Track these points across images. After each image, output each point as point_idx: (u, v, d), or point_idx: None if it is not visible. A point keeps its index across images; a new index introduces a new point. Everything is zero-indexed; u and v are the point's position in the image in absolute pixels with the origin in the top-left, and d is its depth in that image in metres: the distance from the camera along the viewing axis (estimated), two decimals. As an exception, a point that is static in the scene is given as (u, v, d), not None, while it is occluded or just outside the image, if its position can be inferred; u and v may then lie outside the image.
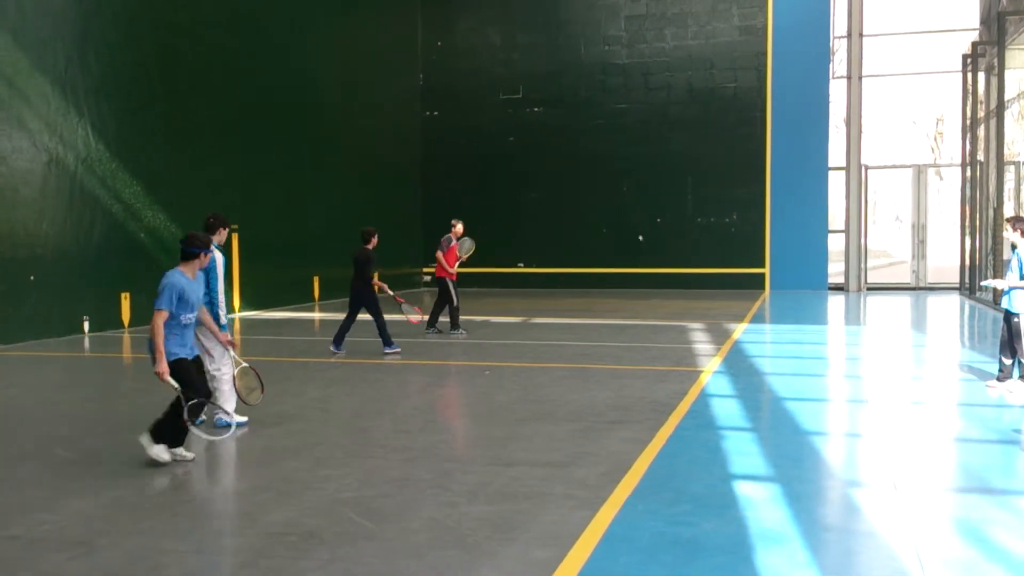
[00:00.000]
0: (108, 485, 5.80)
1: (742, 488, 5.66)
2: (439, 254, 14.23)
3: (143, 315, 15.70)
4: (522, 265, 26.53)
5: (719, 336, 13.91)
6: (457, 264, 14.28)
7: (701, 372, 10.32)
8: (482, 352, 12.52)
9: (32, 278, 13.66)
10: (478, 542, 4.65)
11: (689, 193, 25.26)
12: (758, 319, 17.12)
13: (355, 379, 10.32)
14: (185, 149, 16.90)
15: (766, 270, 24.73)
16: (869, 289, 25.18)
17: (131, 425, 7.74)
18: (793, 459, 6.49)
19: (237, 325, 16.57)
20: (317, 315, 18.70)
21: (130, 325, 15.46)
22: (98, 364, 12.26)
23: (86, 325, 14.62)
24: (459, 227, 14.56)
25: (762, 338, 14.57)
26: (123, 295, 15.41)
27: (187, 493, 5.57)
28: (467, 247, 14.46)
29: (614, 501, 5.31)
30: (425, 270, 26.83)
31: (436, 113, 27.39)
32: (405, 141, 26.66)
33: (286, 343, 13.86)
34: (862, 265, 25.20)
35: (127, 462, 6.45)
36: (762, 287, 24.60)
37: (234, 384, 7.49)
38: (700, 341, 13.38)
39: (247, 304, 18.69)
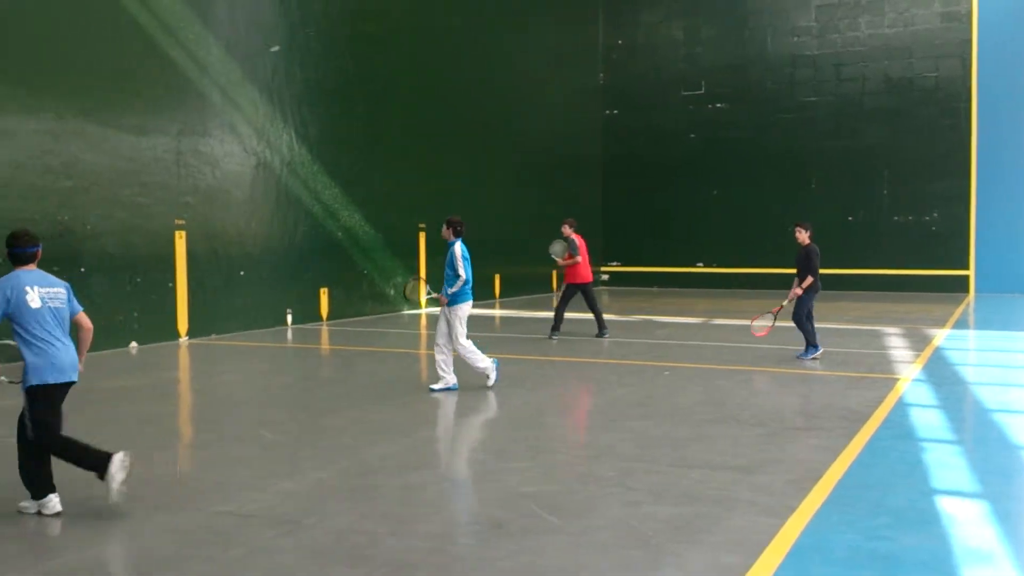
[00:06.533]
0: (311, 467, 6.18)
1: (945, 503, 5.34)
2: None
3: (341, 309, 16.64)
4: (702, 265, 26.04)
5: (918, 342, 13.13)
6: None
7: (898, 380, 9.78)
8: (662, 353, 12.41)
9: (242, 273, 14.73)
10: (662, 543, 4.63)
11: (885, 189, 23.97)
12: (962, 324, 16.03)
13: (535, 377, 10.50)
14: (378, 152, 17.71)
15: (971, 272, 23.09)
16: (1091, 293, 23.02)
17: (328, 412, 8.22)
18: (1003, 474, 6.05)
19: (423, 321, 17.17)
20: (497, 312, 19.11)
21: (328, 318, 16.38)
22: (300, 354, 13.07)
23: (289, 317, 15.61)
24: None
25: (967, 345, 13.63)
26: (322, 290, 16.35)
27: (379, 479, 5.85)
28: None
29: (804, 510, 5.14)
30: (604, 268, 26.87)
31: (616, 112, 27.32)
32: (586, 140, 26.77)
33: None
34: (1082, 267, 23.07)
35: (327, 447, 6.86)
36: (966, 290, 23.00)
37: None
38: (896, 347, 12.68)
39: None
